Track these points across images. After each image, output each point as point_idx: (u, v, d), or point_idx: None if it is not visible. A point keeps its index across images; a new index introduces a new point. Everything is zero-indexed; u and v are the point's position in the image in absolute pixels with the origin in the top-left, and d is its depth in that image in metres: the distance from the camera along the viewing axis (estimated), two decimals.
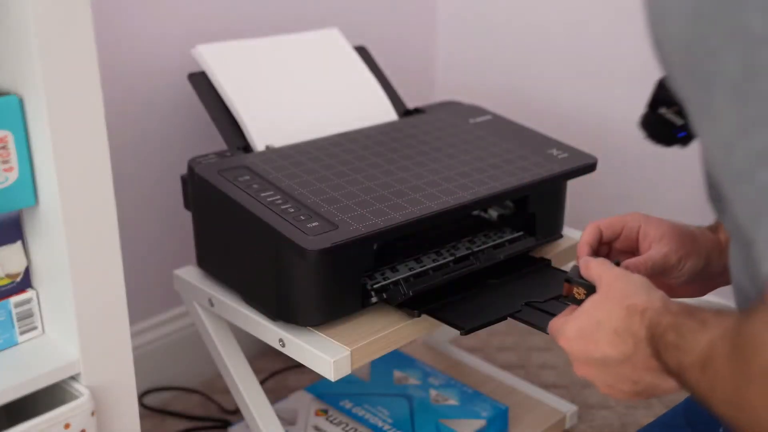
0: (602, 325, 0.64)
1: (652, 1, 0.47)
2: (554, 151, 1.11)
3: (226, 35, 1.27)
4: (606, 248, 0.82)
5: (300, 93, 1.16)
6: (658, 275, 0.77)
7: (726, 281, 0.77)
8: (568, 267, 1.05)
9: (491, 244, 1.05)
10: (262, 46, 1.18)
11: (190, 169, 1.01)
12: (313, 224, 0.89)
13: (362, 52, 1.27)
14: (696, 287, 0.81)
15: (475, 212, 1.12)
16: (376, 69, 1.26)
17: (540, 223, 1.09)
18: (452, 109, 1.26)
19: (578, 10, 1.46)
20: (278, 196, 0.94)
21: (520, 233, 1.08)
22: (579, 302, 0.74)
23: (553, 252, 1.12)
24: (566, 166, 1.08)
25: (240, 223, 0.95)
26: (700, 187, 0.67)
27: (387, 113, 1.21)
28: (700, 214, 0.95)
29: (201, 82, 1.12)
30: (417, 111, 1.24)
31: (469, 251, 1.03)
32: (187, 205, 1.06)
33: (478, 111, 1.25)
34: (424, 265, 0.99)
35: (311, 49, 1.21)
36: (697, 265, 0.78)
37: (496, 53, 1.57)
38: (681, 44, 0.46)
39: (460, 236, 1.06)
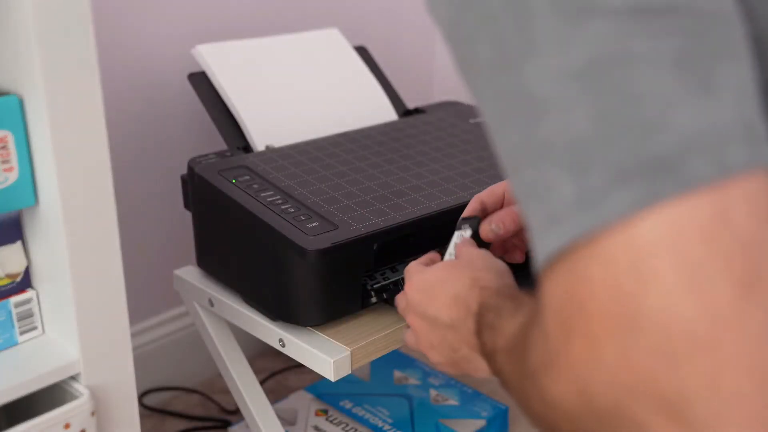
0: (446, 285, 0.67)
1: None
2: None
3: (226, 35, 1.27)
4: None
5: (300, 93, 1.16)
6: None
7: None
8: None
9: None
10: (262, 46, 1.18)
11: (190, 169, 1.01)
12: (313, 224, 0.89)
13: (362, 52, 1.27)
14: None
15: None
16: (376, 69, 1.26)
17: None
18: (452, 109, 1.26)
19: None
20: (278, 196, 0.94)
21: None
22: None
23: None
24: None
25: (240, 223, 0.95)
26: None
27: (387, 113, 1.21)
28: None
29: (201, 82, 1.12)
30: (417, 111, 1.24)
31: None
32: (187, 205, 1.06)
33: (479, 111, 1.25)
34: None
35: (311, 49, 1.21)
36: None
37: None
38: (446, 29, 0.44)
39: None
